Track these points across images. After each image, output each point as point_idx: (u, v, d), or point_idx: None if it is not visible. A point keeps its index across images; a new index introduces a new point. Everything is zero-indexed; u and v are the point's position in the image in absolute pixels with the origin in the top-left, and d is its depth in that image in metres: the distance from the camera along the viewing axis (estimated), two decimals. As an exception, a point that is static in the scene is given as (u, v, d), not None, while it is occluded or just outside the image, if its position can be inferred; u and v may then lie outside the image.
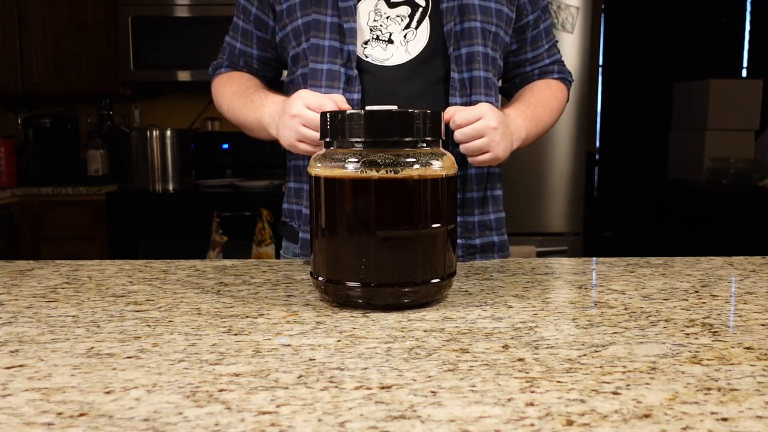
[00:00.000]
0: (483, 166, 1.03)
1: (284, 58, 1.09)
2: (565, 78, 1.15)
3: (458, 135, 0.90)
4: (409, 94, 0.99)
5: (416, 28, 1.00)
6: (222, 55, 1.16)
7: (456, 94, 1.00)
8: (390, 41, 0.99)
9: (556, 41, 1.16)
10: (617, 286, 0.83)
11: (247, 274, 0.91)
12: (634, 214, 4.07)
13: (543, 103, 1.06)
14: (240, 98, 1.05)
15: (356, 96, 0.98)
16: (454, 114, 0.89)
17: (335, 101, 0.88)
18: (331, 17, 0.99)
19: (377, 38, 0.99)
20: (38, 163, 3.16)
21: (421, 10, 1.00)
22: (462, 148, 0.91)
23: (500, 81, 1.13)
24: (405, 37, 0.99)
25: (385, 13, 0.99)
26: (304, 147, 0.90)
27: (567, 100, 1.15)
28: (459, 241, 1.04)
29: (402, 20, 0.99)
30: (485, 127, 0.89)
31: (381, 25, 0.99)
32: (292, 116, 0.89)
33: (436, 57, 1.00)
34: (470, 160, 0.93)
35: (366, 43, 0.99)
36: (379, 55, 0.99)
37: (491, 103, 1.03)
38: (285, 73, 1.13)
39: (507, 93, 1.18)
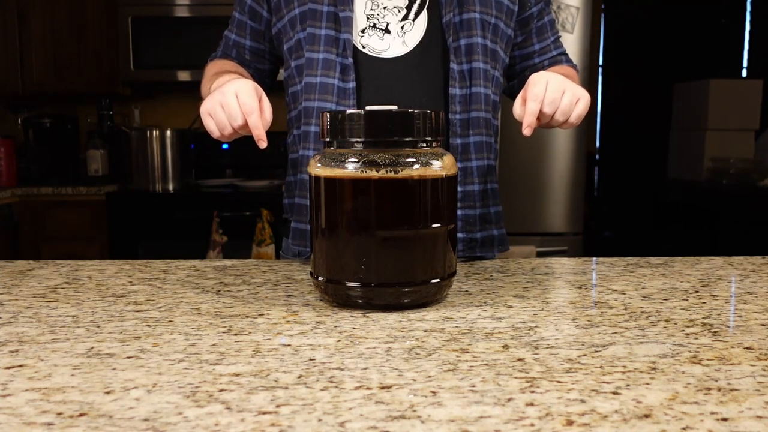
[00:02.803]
0: (484, 159, 1.04)
1: (281, 51, 1.09)
2: (573, 66, 1.15)
3: (547, 109, 0.87)
4: (407, 88, 0.99)
5: (413, 19, 1.00)
6: (218, 48, 1.17)
7: (456, 85, 1.00)
8: (387, 31, 0.99)
9: (560, 35, 1.16)
10: (617, 286, 0.83)
11: (247, 274, 0.91)
12: (634, 214, 4.07)
13: (566, 75, 1.04)
14: (212, 81, 1.05)
15: (351, 85, 0.99)
16: (527, 97, 0.87)
17: (253, 122, 0.86)
18: (327, 6, 0.99)
19: (374, 26, 0.99)
20: (38, 163, 3.16)
21: (419, 1, 1.00)
22: (559, 115, 0.88)
23: (504, 78, 1.13)
24: (402, 28, 0.99)
25: (381, 3, 0.99)
26: (208, 123, 0.90)
27: None
28: (460, 235, 1.04)
29: (399, 11, 0.99)
30: (557, 84, 0.87)
31: (378, 15, 0.99)
32: (220, 92, 0.88)
33: (433, 48, 1.00)
34: (573, 119, 0.89)
35: (363, 31, 0.99)
36: (376, 45, 0.99)
37: (489, 96, 1.03)
38: (282, 72, 1.13)
39: (515, 91, 1.16)
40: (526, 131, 0.87)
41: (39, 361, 0.55)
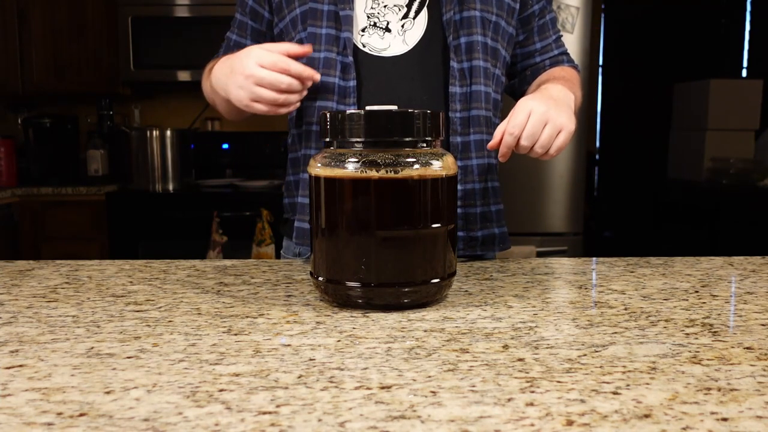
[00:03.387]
0: (484, 158, 1.04)
1: None
2: (574, 67, 1.15)
3: (525, 142, 0.86)
4: (407, 87, 0.99)
5: (414, 18, 1.00)
6: (220, 49, 1.17)
7: (456, 84, 1.00)
8: (387, 30, 0.99)
9: (561, 34, 1.16)
10: (617, 286, 0.83)
11: (247, 274, 0.91)
12: (634, 214, 4.07)
13: (567, 78, 1.06)
14: (209, 75, 1.04)
15: (351, 83, 0.99)
16: (506, 129, 0.86)
17: (288, 51, 0.87)
18: (328, 5, 0.99)
19: (374, 25, 0.99)
20: (38, 163, 3.16)
21: (419, 0, 1.00)
22: (538, 148, 0.87)
23: (506, 77, 1.13)
24: (402, 27, 0.99)
25: (382, 2, 0.99)
26: (260, 107, 0.89)
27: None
28: (461, 233, 1.04)
29: (400, 10, 0.99)
30: (539, 115, 0.86)
31: (378, 13, 0.99)
32: (246, 77, 0.87)
33: (434, 47, 1.00)
34: (553, 151, 0.88)
35: (363, 30, 1.00)
36: (376, 44, 0.99)
37: (490, 94, 1.03)
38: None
39: (516, 90, 1.17)
40: (501, 159, 0.88)
41: (39, 361, 0.55)
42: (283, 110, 0.91)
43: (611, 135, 4.16)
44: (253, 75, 0.86)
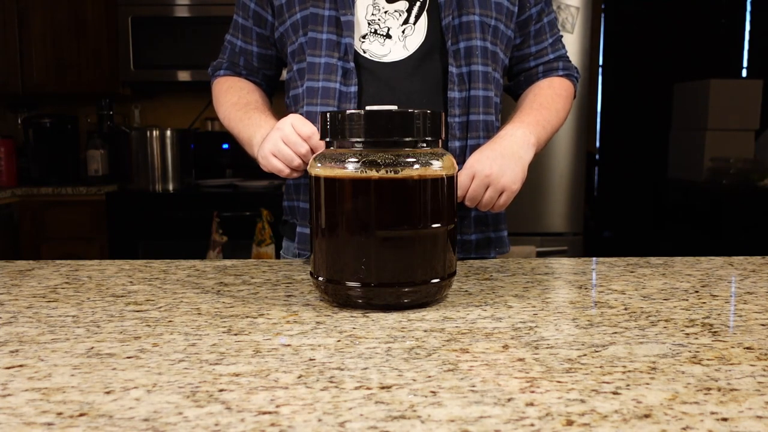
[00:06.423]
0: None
1: (284, 54, 1.09)
2: (570, 74, 1.14)
3: (468, 203, 0.94)
4: (407, 91, 0.99)
5: (414, 23, 1.00)
6: (223, 54, 1.16)
7: (455, 89, 1.00)
8: (388, 36, 0.99)
9: (561, 36, 1.15)
10: (617, 286, 0.83)
11: (247, 274, 0.91)
12: (634, 214, 4.07)
13: (546, 105, 1.06)
14: (239, 111, 1.06)
15: (353, 89, 0.99)
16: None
17: (315, 144, 0.89)
18: (329, 10, 0.99)
19: (375, 32, 0.99)
20: (38, 163, 3.16)
21: (419, 4, 1.00)
22: (481, 207, 0.95)
23: (505, 78, 1.13)
24: (403, 32, 0.99)
25: (383, 8, 0.99)
26: (276, 163, 0.92)
27: (574, 97, 1.14)
28: None
29: (400, 15, 0.99)
30: (482, 179, 0.92)
31: (379, 20, 0.99)
32: (276, 128, 0.91)
33: (434, 52, 1.00)
34: (495, 209, 0.96)
35: (364, 37, 0.99)
36: (377, 50, 0.99)
37: (490, 98, 1.03)
38: (284, 73, 1.13)
39: (513, 92, 1.17)
40: None
41: (39, 361, 0.55)
42: (293, 175, 0.94)
43: (611, 135, 4.16)
44: (282, 129, 0.90)
